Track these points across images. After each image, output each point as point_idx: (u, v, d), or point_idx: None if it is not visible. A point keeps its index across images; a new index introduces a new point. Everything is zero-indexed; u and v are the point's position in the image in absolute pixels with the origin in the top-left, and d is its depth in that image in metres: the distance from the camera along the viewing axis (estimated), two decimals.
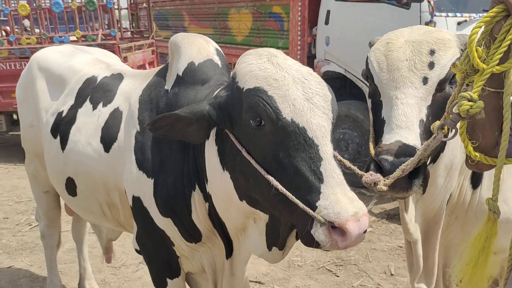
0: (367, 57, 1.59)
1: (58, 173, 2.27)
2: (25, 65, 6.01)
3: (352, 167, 1.54)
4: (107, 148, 2.02)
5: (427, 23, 4.37)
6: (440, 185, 1.70)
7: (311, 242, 1.28)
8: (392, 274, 3.58)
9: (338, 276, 3.56)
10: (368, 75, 1.58)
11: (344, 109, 5.13)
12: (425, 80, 1.46)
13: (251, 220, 1.68)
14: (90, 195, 2.16)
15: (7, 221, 4.63)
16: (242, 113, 1.43)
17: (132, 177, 1.91)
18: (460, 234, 1.86)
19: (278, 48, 2.17)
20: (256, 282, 3.44)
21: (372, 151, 1.43)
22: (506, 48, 1.10)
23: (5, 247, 4.06)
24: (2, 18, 6.76)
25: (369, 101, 1.64)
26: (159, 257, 2.02)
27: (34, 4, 6.15)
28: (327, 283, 3.47)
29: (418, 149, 1.33)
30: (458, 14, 4.50)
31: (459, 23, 4.44)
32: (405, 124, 1.38)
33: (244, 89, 1.42)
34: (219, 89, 1.68)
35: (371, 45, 1.69)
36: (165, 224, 1.87)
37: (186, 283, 2.21)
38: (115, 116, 2.04)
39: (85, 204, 2.24)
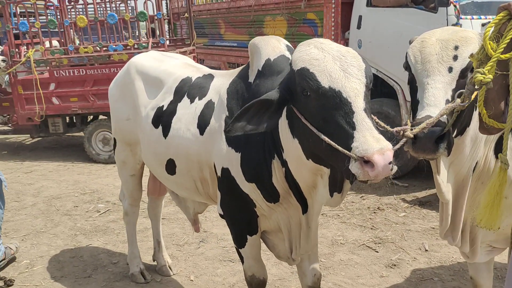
0: (407, 52, 2.00)
1: (159, 156, 2.80)
2: (83, 72, 6.67)
3: (383, 124, 1.99)
4: (202, 131, 2.54)
5: (454, 25, 4.79)
6: (467, 154, 2.07)
7: (349, 174, 1.71)
8: (426, 250, 4.00)
9: (377, 252, 4.01)
10: (407, 66, 1.99)
11: (376, 106, 5.57)
12: (450, 69, 1.86)
13: (319, 177, 2.15)
14: (187, 173, 2.69)
15: (77, 209, 5.22)
16: (296, 89, 1.91)
17: (222, 152, 2.42)
18: None
19: None
20: None
21: (409, 123, 1.82)
22: (509, 40, 1.55)
23: (80, 230, 4.63)
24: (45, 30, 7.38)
25: (408, 87, 2.06)
26: (241, 218, 2.52)
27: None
28: (368, 258, 3.92)
29: (445, 122, 1.75)
30: (482, 17, 4.91)
31: (483, 25, 4.84)
32: (434, 102, 1.79)
33: (295, 70, 1.90)
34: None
35: (410, 42, 2.14)
36: (250, 188, 2.38)
37: (264, 245, 2.70)
38: (209, 106, 2.57)
39: (181, 181, 2.76)
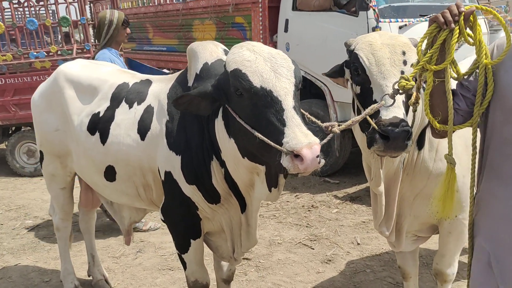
0: (356, 54, 2.10)
1: (97, 163, 2.72)
2: (2, 81, 6.31)
3: (313, 119, 2.11)
4: (143, 137, 2.53)
5: (373, 28, 5.06)
6: None
7: (280, 168, 1.82)
8: (358, 243, 4.20)
9: (313, 249, 4.15)
10: (358, 67, 2.09)
11: (306, 107, 5.72)
12: (402, 73, 2.00)
13: (255, 175, 2.23)
14: (128, 179, 2.65)
15: (2, 227, 4.93)
16: (229, 89, 2.00)
17: (164, 156, 2.43)
18: (410, 188, 2.42)
19: None
20: (243, 258, 3.96)
21: (374, 126, 1.90)
22: (436, 50, 1.68)
23: (8, 249, 4.38)
24: None
25: (356, 87, 2.15)
26: (184, 221, 2.54)
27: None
28: (305, 255, 4.04)
29: (406, 121, 1.89)
30: (399, 20, 5.22)
31: (400, 27, 5.16)
32: (397, 104, 1.91)
33: (229, 71, 2.00)
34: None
35: (347, 45, 2.24)
36: (191, 190, 2.40)
37: (207, 248, 2.73)
38: (148, 111, 2.56)
39: (122, 187, 2.71)
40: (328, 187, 5.65)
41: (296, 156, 1.76)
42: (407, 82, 1.75)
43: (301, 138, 1.78)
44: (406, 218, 2.49)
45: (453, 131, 1.76)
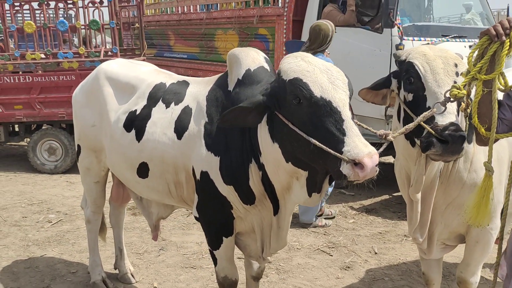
0: (411, 63, 2.22)
1: (130, 160, 2.84)
2: (28, 78, 6.48)
3: (366, 127, 2.24)
4: (179, 136, 2.64)
5: (397, 46, 5.21)
6: None
7: (340, 176, 1.91)
8: (376, 253, 4.28)
9: (332, 256, 4.23)
10: (412, 75, 2.21)
11: None
12: (454, 83, 2.10)
13: (294, 179, 2.31)
14: (160, 176, 2.75)
15: (26, 220, 5.04)
16: (286, 97, 2.08)
17: (201, 156, 2.53)
18: (443, 197, 2.51)
19: None
20: None
21: (432, 131, 2.03)
22: (486, 61, 1.81)
23: (33, 240, 4.49)
24: None
25: (408, 95, 2.26)
26: (218, 219, 2.63)
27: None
28: (323, 261, 4.13)
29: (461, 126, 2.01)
30: (422, 38, 5.37)
31: None
32: (452, 111, 2.04)
33: (287, 80, 2.08)
34: (268, 85, 2.34)
35: (397, 56, 2.37)
36: (228, 191, 2.50)
37: (236, 246, 2.82)
38: (186, 111, 2.67)
39: (153, 184, 2.81)
40: (343, 198, 5.74)
41: (356, 164, 1.85)
42: (458, 91, 1.87)
43: (362, 148, 1.87)
44: (437, 226, 2.58)
45: (497, 140, 1.88)
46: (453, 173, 2.47)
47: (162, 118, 2.75)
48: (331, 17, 5.96)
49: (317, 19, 6.10)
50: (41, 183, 6.45)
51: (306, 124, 2.02)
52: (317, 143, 1.96)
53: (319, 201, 2.36)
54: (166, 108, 2.78)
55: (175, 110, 2.73)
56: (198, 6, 8.38)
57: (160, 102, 2.82)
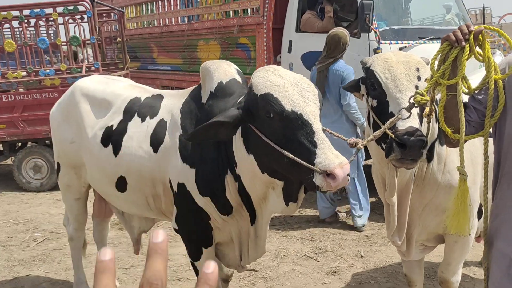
0: (372, 70, 2.26)
1: (109, 174, 2.85)
2: (11, 97, 6.46)
3: (338, 135, 2.29)
4: (155, 149, 2.65)
5: (375, 50, 5.27)
6: None
7: (313, 186, 1.96)
8: (362, 256, 4.30)
9: (318, 261, 4.25)
10: (374, 82, 2.24)
11: None
12: (416, 87, 2.15)
13: (270, 189, 2.34)
14: (138, 189, 2.76)
15: (12, 239, 5.00)
16: (258, 111, 2.12)
17: (177, 169, 2.55)
18: (419, 199, 2.54)
19: (245, 74, 2.89)
20: (251, 270, 4.05)
21: (392, 135, 2.05)
22: (447, 66, 1.85)
23: (18, 260, 4.46)
24: None
25: (372, 101, 2.30)
26: (197, 231, 2.65)
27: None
28: (310, 267, 4.14)
29: (421, 131, 2.04)
30: (399, 42, 5.44)
31: (400, 49, 5.35)
32: (412, 116, 2.06)
33: (258, 95, 2.12)
34: (241, 98, 2.37)
35: (363, 63, 2.40)
36: (204, 202, 2.52)
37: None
38: (161, 125, 2.69)
39: (132, 197, 2.82)
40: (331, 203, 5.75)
41: (328, 175, 1.90)
42: (422, 97, 1.90)
43: (333, 159, 1.92)
44: (415, 228, 2.61)
45: (466, 141, 1.90)
46: (427, 175, 2.50)
47: (138, 132, 2.77)
48: (309, 24, 6.04)
49: (296, 26, 6.18)
50: (27, 201, 6.41)
51: (279, 137, 2.06)
52: (290, 155, 1.99)
53: (296, 210, 2.39)
54: (142, 122, 2.79)
55: (150, 123, 2.75)
56: (179, 17, 8.42)
57: (136, 116, 2.83)
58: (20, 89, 6.68)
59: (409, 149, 2.01)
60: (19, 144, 7.25)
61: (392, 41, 5.40)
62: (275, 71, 2.16)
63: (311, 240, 4.70)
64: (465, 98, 2.10)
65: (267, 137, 2.09)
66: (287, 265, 4.18)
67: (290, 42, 6.26)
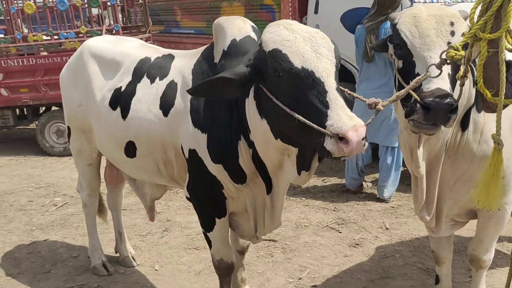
0: (397, 28, 2.01)
1: (117, 139, 2.70)
2: (32, 61, 6.38)
3: (355, 95, 2.06)
4: (165, 112, 2.48)
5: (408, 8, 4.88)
6: (442, 129, 2.09)
7: (324, 152, 1.74)
8: (387, 228, 4.10)
9: (340, 232, 4.07)
10: (398, 42, 2.01)
11: None
12: (448, 44, 1.87)
13: (286, 156, 2.15)
14: (148, 155, 2.61)
15: (32, 204, 5.01)
16: (267, 69, 1.91)
17: (188, 134, 2.38)
18: (451, 171, 2.30)
19: None
20: (270, 240, 3.92)
21: (416, 97, 1.82)
22: (488, 18, 1.57)
23: (37, 225, 4.45)
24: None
25: (398, 62, 2.07)
26: (210, 200, 2.49)
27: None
28: (332, 238, 3.97)
29: (451, 93, 1.78)
30: (434, 0, 5.03)
31: None
32: (441, 76, 1.81)
33: (267, 52, 1.90)
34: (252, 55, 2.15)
35: (391, 19, 2.14)
36: (217, 169, 2.35)
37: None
38: (171, 87, 2.50)
39: (142, 163, 2.68)
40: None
41: (341, 138, 1.68)
42: (456, 52, 1.63)
43: (346, 121, 1.70)
44: (445, 202, 2.38)
45: (506, 105, 1.65)
46: (461, 145, 2.25)
47: (147, 94, 2.60)
48: None
49: None
50: (50, 165, 6.42)
51: (289, 97, 1.85)
52: (300, 117, 1.79)
53: (308, 179, 2.19)
54: (151, 83, 2.62)
55: (160, 85, 2.57)
56: None
57: (145, 78, 2.66)
58: (41, 53, 6.59)
59: (433, 112, 1.77)
60: (43, 108, 7.25)
61: (427, 0, 4.99)
62: (287, 25, 1.92)
63: (333, 210, 4.51)
64: (509, 56, 1.82)
65: (277, 99, 1.89)
66: (307, 236, 4.01)
67: (317, 2, 5.91)
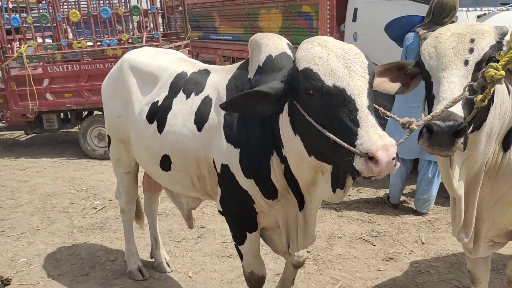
0: (420, 50, 2.01)
1: (153, 152, 2.78)
2: (76, 67, 6.62)
3: (390, 114, 2.02)
4: (199, 128, 2.53)
5: None
6: (481, 149, 2.07)
7: (353, 171, 1.73)
8: (423, 243, 4.01)
9: (374, 245, 4.02)
10: (420, 63, 2.01)
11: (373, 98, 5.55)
12: (466, 62, 1.85)
13: (319, 174, 2.16)
14: (183, 169, 2.67)
15: (73, 206, 5.20)
16: (300, 87, 1.92)
17: (221, 149, 2.42)
18: (490, 192, 2.24)
19: None
20: None
21: (426, 118, 1.80)
22: None
23: (78, 227, 4.62)
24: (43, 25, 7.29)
25: (424, 82, 2.05)
26: (241, 214, 2.52)
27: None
28: (365, 251, 3.93)
29: (461, 115, 1.74)
30: (478, 8, 4.89)
31: (479, 16, 4.83)
32: (450, 96, 1.78)
33: (299, 70, 1.91)
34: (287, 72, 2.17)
35: (424, 39, 2.12)
36: (249, 184, 2.38)
37: (261, 240, 2.71)
38: (206, 102, 2.55)
39: (176, 177, 2.74)
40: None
41: (370, 158, 1.67)
42: (495, 71, 1.59)
43: (375, 140, 1.68)
44: (484, 223, 2.32)
45: None
46: (502, 166, 2.19)
47: (183, 109, 2.66)
48: None
49: None
50: (91, 168, 6.64)
51: (321, 115, 1.86)
52: (331, 135, 1.80)
53: (343, 197, 2.19)
54: (187, 98, 2.68)
55: (195, 100, 2.63)
56: None
57: (181, 93, 2.72)
58: (84, 59, 6.83)
59: (435, 135, 1.74)
60: (85, 112, 7.51)
61: (470, 8, 4.86)
62: (321, 42, 1.93)
63: (368, 222, 4.46)
64: None
65: (310, 116, 1.91)
66: (340, 248, 3.99)
67: (355, 10, 5.87)
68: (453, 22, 4.65)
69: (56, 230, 4.57)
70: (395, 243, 4.03)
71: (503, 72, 1.62)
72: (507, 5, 4.88)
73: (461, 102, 1.78)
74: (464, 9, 4.85)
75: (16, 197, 5.56)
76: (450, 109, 1.75)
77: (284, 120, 2.16)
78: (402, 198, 4.87)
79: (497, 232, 2.41)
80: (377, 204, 4.85)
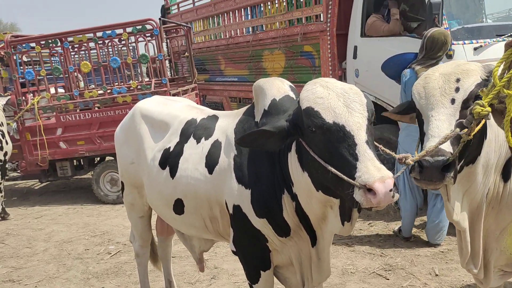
0: (412, 90, 2.14)
1: (166, 197, 2.88)
2: (88, 115, 6.82)
3: (387, 151, 2.14)
4: (210, 170, 2.64)
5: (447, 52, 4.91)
6: (479, 181, 2.16)
7: (353, 202, 1.83)
8: (437, 275, 4.01)
9: (388, 279, 4.02)
10: (411, 103, 2.16)
11: (377, 132, 5.65)
12: (452, 101, 1.98)
13: (329, 208, 2.24)
14: (195, 212, 2.76)
15: (88, 252, 5.27)
16: (304, 125, 2.06)
17: (232, 190, 2.51)
18: (495, 222, 2.29)
19: None
20: None
21: (420, 155, 1.91)
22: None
23: (93, 273, 4.67)
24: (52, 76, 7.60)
25: (417, 120, 2.18)
26: (255, 253, 2.59)
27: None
28: (379, 285, 3.93)
29: (449, 151, 1.86)
30: (474, 41, 5.04)
31: (475, 49, 4.97)
32: (438, 134, 1.91)
33: (302, 109, 2.06)
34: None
35: (417, 76, 2.26)
36: (261, 224, 2.45)
37: (275, 279, 2.75)
38: (216, 146, 2.67)
39: (190, 220, 2.83)
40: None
41: (369, 190, 1.78)
42: (482, 108, 1.71)
43: (373, 172, 1.79)
44: (492, 253, 2.36)
45: None
46: (504, 196, 2.25)
47: (194, 154, 2.77)
48: (375, 28, 5.79)
49: (361, 31, 5.96)
50: (104, 213, 6.74)
51: (323, 150, 1.99)
52: (333, 169, 1.92)
53: (351, 230, 2.26)
54: (197, 143, 2.79)
55: (206, 145, 2.74)
56: (244, 29, 8.49)
57: (192, 138, 2.84)
58: (95, 107, 7.05)
59: (425, 170, 1.86)
60: (98, 158, 7.68)
61: (466, 41, 5.01)
62: (323, 83, 2.08)
63: (380, 255, 4.47)
64: None
65: (314, 152, 2.04)
66: (354, 283, 3.99)
67: (355, 47, 6.05)
68: (450, 55, 4.79)
69: (72, 277, 4.63)
70: (409, 276, 4.03)
71: (489, 109, 1.72)
72: (503, 36, 5.02)
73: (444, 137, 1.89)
74: (461, 42, 5.01)
75: (32, 245, 5.65)
76: (438, 146, 1.86)
77: (292, 158, 2.27)
78: (414, 230, 4.88)
79: (506, 261, 2.44)
80: (389, 237, 4.87)
